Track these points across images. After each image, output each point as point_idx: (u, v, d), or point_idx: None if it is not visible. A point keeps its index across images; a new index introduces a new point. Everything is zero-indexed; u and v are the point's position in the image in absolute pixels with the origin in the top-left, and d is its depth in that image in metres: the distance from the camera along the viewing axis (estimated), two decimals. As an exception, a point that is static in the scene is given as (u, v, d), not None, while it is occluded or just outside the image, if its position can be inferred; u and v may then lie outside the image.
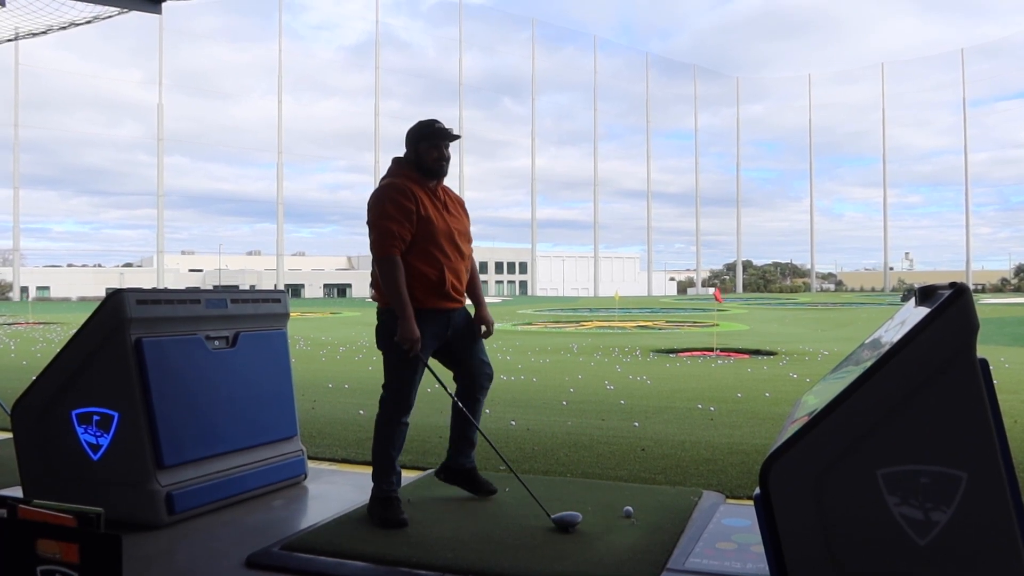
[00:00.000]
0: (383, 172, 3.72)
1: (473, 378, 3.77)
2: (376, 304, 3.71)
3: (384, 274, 3.48)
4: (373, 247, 3.52)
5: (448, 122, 3.71)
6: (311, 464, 4.48)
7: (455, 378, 3.82)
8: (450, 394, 3.74)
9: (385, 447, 3.60)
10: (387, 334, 3.56)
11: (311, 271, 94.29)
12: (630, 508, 3.54)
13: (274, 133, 73.70)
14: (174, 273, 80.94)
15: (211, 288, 3.98)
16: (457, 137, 3.66)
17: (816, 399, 2.73)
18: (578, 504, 3.59)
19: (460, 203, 3.83)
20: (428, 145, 3.60)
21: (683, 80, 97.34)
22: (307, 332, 22.40)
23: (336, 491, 4.20)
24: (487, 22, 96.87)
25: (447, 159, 3.65)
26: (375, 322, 3.69)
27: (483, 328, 3.84)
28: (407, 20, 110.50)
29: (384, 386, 3.64)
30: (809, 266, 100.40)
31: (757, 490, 2.38)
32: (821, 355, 14.22)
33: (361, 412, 6.72)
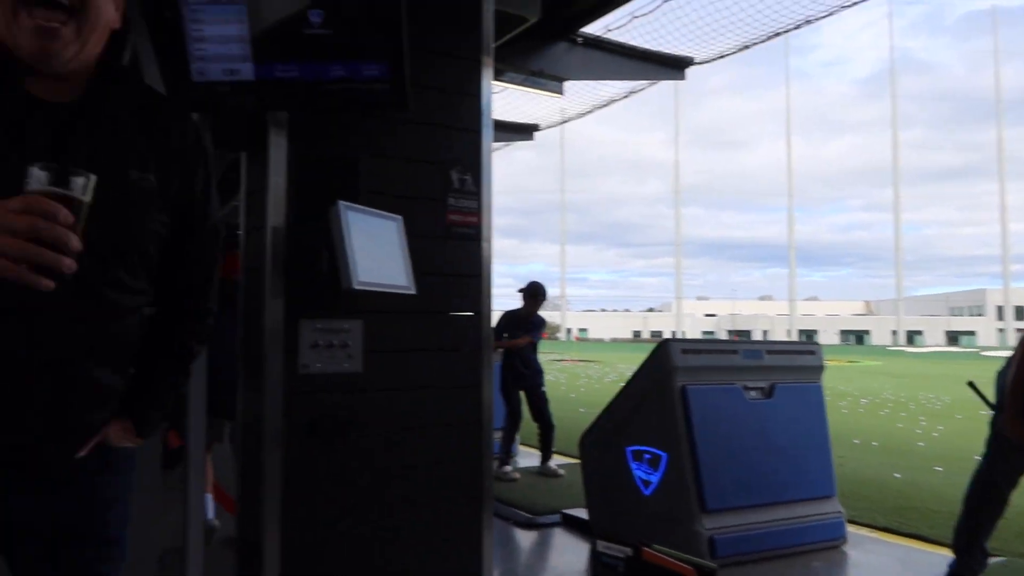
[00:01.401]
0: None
1: None
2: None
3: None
4: None
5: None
6: (847, 528, 4.23)
7: None
8: None
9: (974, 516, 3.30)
10: None
11: (825, 316, 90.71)
12: None
13: (783, 177, 73.58)
14: (691, 318, 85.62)
15: (726, 334, 4.12)
16: None
17: None
18: None
19: None
20: None
21: None
22: (825, 381, 21.46)
23: (878, 562, 3.91)
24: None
25: None
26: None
27: None
28: (927, 40, 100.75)
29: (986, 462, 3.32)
30: None
31: None
32: None
33: (896, 475, 6.15)
